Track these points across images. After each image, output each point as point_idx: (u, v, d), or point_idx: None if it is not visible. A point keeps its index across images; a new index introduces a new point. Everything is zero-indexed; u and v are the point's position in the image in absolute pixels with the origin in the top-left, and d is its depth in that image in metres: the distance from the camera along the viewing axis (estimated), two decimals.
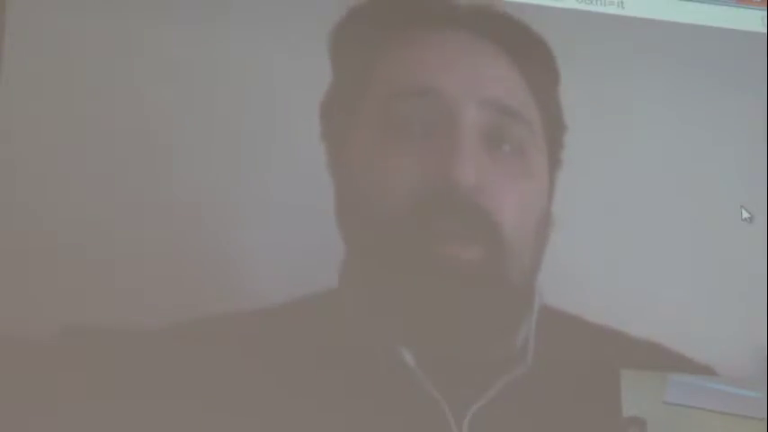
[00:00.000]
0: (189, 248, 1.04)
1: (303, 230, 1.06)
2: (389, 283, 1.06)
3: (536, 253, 1.09)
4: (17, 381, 1.00)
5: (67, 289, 1.02)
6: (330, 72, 1.10)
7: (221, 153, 1.07)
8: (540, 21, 1.15)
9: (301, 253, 1.06)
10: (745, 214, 1.17)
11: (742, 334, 1.14)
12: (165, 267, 1.04)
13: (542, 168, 1.10)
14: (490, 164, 1.06)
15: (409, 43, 1.10)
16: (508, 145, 1.07)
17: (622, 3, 1.19)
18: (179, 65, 1.08)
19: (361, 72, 1.10)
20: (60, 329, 1.01)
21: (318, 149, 1.08)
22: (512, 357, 1.08)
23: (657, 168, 1.16)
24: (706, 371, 1.12)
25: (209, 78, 1.08)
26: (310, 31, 1.10)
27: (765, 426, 1.12)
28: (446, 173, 1.04)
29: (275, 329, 1.05)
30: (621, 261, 1.13)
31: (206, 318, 1.03)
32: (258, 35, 1.10)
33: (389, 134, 1.07)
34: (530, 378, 1.07)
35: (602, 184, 1.14)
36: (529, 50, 1.12)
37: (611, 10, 1.19)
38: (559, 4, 1.17)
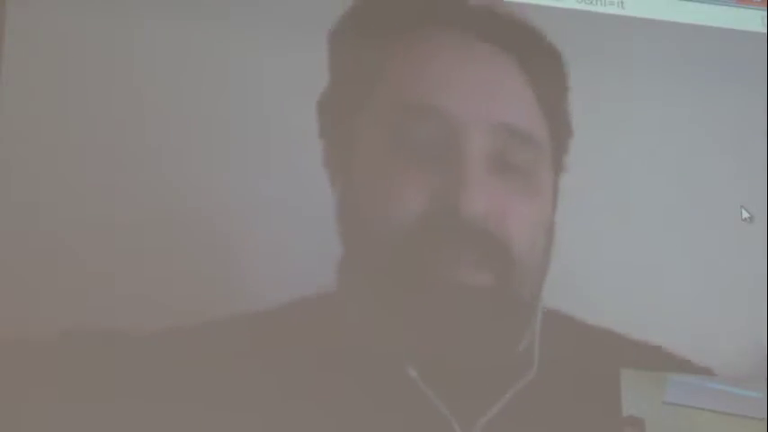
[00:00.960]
0: (188, 251, 1.04)
1: (301, 232, 1.06)
2: (391, 296, 1.06)
3: (544, 265, 1.09)
4: (17, 383, 1.00)
5: (67, 291, 1.02)
6: (328, 70, 1.09)
7: (220, 154, 1.07)
8: (540, 21, 1.15)
9: (299, 255, 1.06)
10: (745, 214, 1.17)
11: (742, 334, 1.14)
12: (163, 270, 1.04)
13: (549, 183, 1.10)
14: (499, 187, 1.06)
15: (418, 47, 1.09)
16: (517, 168, 1.07)
17: (622, 3, 1.19)
18: (179, 65, 1.08)
19: (366, 73, 1.09)
20: (60, 332, 1.01)
21: (317, 151, 1.08)
22: (515, 364, 1.08)
23: (657, 168, 1.16)
24: (707, 372, 1.12)
25: (208, 78, 1.08)
26: (310, 30, 1.10)
27: (765, 426, 1.12)
28: (454, 202, 1.04)
29: (273, 332, 1.04)
30: (621, 261, 1.13)
31: (204, 320, 1.03)
32: (257, 34, 1.10)
33: (395, 150, 1.06)
34: (535, 385, 1.07)
35: (601, 185, 1.14)
36: (540, 59, 1.12)
37: (611, 10, 1.19)
38: (559, 4, 1.17)
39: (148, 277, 1.03)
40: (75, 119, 1.05)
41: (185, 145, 1.07)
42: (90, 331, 1.01)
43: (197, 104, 1.08)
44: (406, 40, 1.10)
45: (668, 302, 1.13)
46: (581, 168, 1.13)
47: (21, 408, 0.99)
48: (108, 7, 1.08)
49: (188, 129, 1.07)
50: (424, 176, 1.05)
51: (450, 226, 1.04)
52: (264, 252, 1.05)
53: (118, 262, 1.03)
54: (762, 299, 1.15)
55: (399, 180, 1.05)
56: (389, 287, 1.06)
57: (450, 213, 1.04)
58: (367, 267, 1.06)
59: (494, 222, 1.05)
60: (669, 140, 1.17)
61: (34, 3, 1.06)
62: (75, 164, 1.05)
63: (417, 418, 1.04)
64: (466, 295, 1.05)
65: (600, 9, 1.18)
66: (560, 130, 1.11)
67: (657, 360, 1.11)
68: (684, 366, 1.12)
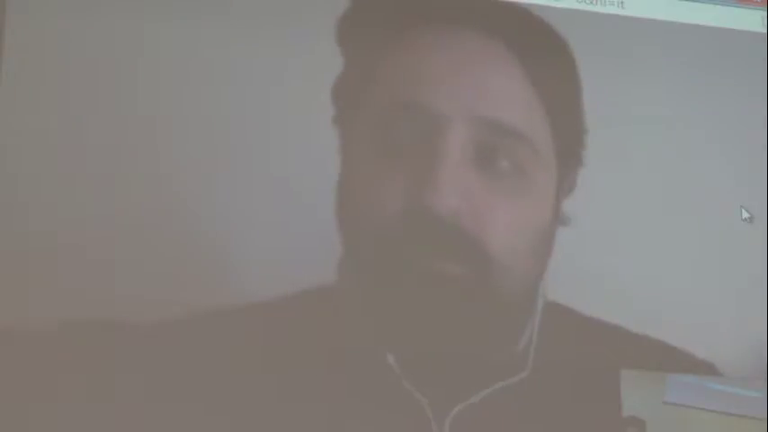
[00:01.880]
0: (187, 243, 1.04)
1: (301, 226, 1.06)
2: (380, 288, 1.06)
3: (536, 265, 1.09)
4: (16, 375, 1.00)
5: (67, 282, 1.02)
6: (330, 63, 1.09)
7: (219, 149, 1.07)
8: None
9: (299, 249, 1.06)
10: (745, 214, 1.17)
11: (742, 333, 1.14)
12: (162, 261, 1.04)
13: (545, 184, 1.09)
14: (479, 183, 1.05)
15: (414, 43, 1.09)
16: (506, 162, 1.06)
17: (622, 3, 1.19)
18: (178, 64, 1.08)
19: (368, 65, 1.09)
20: (59, 322, 1.01)
21: (316, 146, 1.08)
22: (512, 362, 1.08)
23: (657, 168, 1.16)
24: (707, 368, 1.12)
25: (207, 76, 1.08)
26: (311, 27, 1.10)
27: (765, 426, 1.12)
28: (426, 197, 1.04)
29: (268, 325, 1.05)
30: (623, 260, 1.13)
31: (201, 313, 1.03)
32: (257, 34, 1.10)
33: (382, 146, 1.06)
34: (527, 380, 1.07)
35: (602, 184, 1.14)
36: (547, 57, 1.11)
37: (611, 10, 1.19)
38: (559, 4, 1.17)
39: (148, 269, 1.03)
40: (75, 118, 1.05)
41: (185, 139, 1.07)
42: (90, 322, 1.02)
43: (196, 102, 1.08)
44: (405, 35, 1.10)
45: (668, 302, 1.13)
46: (581, 168, 1.13)
47: (20, 397, 0.99)
48: (108, 8, 1.08)
49: (186, 126, 1.07)
50: (403, 173, 1.05)
51: (424, 221, 1.04)
52: (264, 245, 1.06)
53: (118, 253, 1.03)
54: (762, 299, 1.15)
55: (382, 177, 1.06)
56: (374, 281, 1.06)
57: (423, 209, 1.04)
58: (356, 262, 1.06)
59: (466, 217, 1.05)
60: (669, 140, 1.17)
61: (34, 4, 1.06)
62: (74, 159, 1.04)
63: (395, 406, 1.05)
64: (441, 283, 1.05)
65: (600, 9, 1.18)
66: (568, 129, 1.11)
67: (659, 356, 1.11)
68: (686, 361, 1.12)
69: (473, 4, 1.11)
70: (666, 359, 1.12)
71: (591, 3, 1.18)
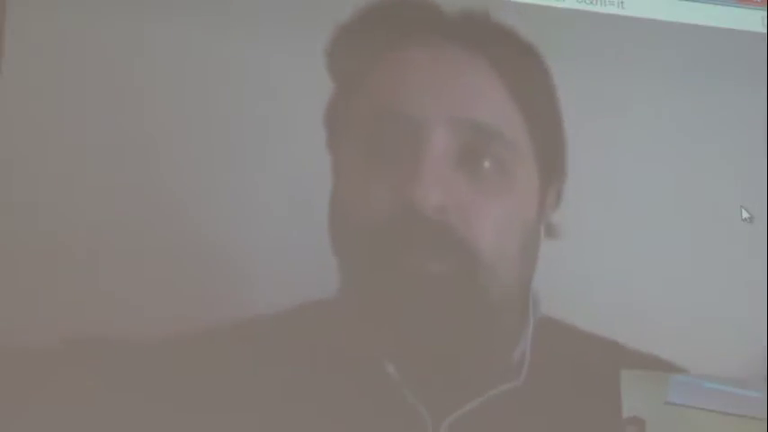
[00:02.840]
0: (189, 256, 1.04)
1: (303, 238, 1.07)
2: (374, 295, 1.06)
3: (524, 267, 1.09)
4: (18, 390, 1.00)
5: (68, 298, 1.02)
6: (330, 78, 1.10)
7: (222, 157, 1.07)
8: (540, 21, 1.15)
9: (300, 261, 1.06)
10: (745, 214, 1.17)
11: (742, 334, 1.14)
12: (164, 275, 1.04)
13: (529, 184, 1.09)
14: (463, 182, 1.06)
15: (397, 60, 1.10)
16: (488, 161, 1.06)
17: (622, 3, 1.19)
18: (179, 65, 1.08)
19: (355, 86, 1.09)
20: (61, 339, 1.01)
21: (318, 154, 1.08)
22: (506, 371, 1.08)
23: (657, 168, 1.16)
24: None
25: (209, 79, 1.08)
26: (314, 32, 1.10)
27: (765, 426, 1.12)
28: (410, 196, 1.04)
29: (268, 338, 1.05)
30: (620, 262, 1.13)
31: (205, 327, 1.03)
32: (258, 35, 1.10)
33: (368, 156, 1.07)
34: (521, 390, 1.07)
35: (601, 184, 1.14)
36: (521, 63, 1.12)
37: (611, 10, 1.19)
38: (559, 4, 1.17)
39: (149, 283, 1.03)
40: (76, 119, 1.05)
41: (187, 149, 1.07)
42: (91, 338, 1.02)
43: (199, 107, 1.08)
44: (387, 51, 1.10)
45: (667, 302, 1.13)
46: (580, 167, 1.13)
47: (22, 414, 0.99)
48: (108, 7, 1.08)
49: (189, 131, 1.07)
50: (388, 178, 1.05)
51: (411, 222, 1.04)
52: (266, 257, 1.06)
53: (119, 267, 1.03)
54: (762, 299, 1.15)
55: (369, 185, 1.06)
56: (368, 288, 1.06)
57: (409, 209, 1.04)
58: (349, 271, 1.06)
59: (452, 216, 1.05)
60: (669, 140, 1.17)
61: (34, 3, 1.06)
62: (75, 165, 1.05)
63: (394, 413, 1.05)
64: (426, 283, 1.05)
65: (600, 9, 1.18)
66: (544, 132, 1.11)
67: (654, 367, 1.12)
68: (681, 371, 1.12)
69: (451, 21, 1.11)
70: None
71: (591, 3, 1.18)
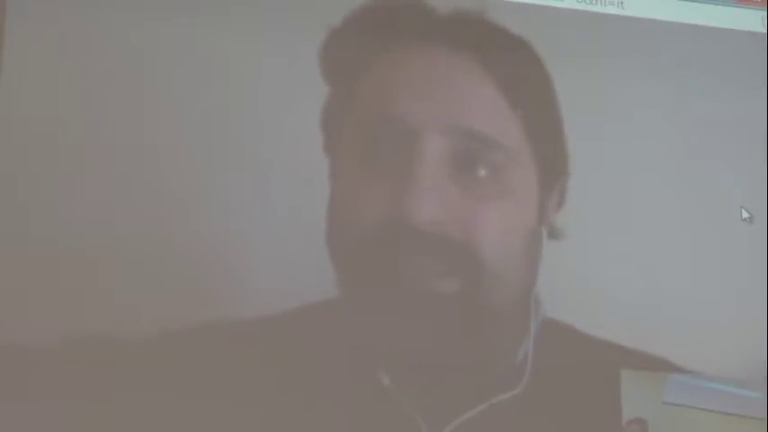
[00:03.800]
0: (188, 256, 1.04)
1: (303, 240, 1.06)
2: (368, 306, 1.06)
3: (528, 271, 1.09)
4: (17, 389, 1.00)
5: (67, 296, 1.02)
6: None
7: (223, 157, 1.07)
8: (540, 21, 1.15)
9: (301, 263, 1.06)
10: (745, 214, 1.17)
11: (742, 334, 1.14)
12: (164, 275, 1.04)
13: (527, 186, 1.08)
14: (458, 192, 1.05)
15: (390, 62, 1.09)
16: (483, 169, 1.06)
17: (622, 3, 1.19)
18: (180, 66, 1.08)
19: (349, 88, 1.09)
20: (60, 337, 1.01)
21: (319, 156, 1.08)
22: (508, 376, 1.07)
23: (657, 169, 1.16)
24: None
25: (208, 81, 1.08)
26: (312, 33, 1.10)
27: (765, 426, 1.12)
28: (403, 209, 1.03)
29: (266, 339, 1.04)
30: (620, 262, 1.13)
31: (202, 326, 1.03)
32: (258, 35, 1.10)
33: (363, 163, 1.06)
34: (523, 394, 1.07)
35: (601, 185, 1.14)
36: (518, 66, 1.11)
37: (611, 10, 1.19)
38: (559, 4, 1.17)
39: (149, 283, 1.03)
40: (75, 119, 1.05)
41: (188, 149, 1.07)
42: (91, 336, 1.01)
43: (198, 108, 1.08)
44: (381, 55, 1.10)
45: (668, 302, 1.13)
46: (580, 168, 1.13)
47: (20, 413, 0.99)
48: (108, 8, 1.08)
49: (189, 133, 1.07)
50: (382, 186, 1.05)
51: (406, 234, 1.03)
52: (265, 259, 1.05)
53: (119, 267, 1.03)
54: (762, 299, 1.15)
55: (363, 192, 1.05)
56: (363, 297, 1.06)
57: (404, 222, 1.03)
58: (344, 280, 1.06)
59: (452, 227, 1.04)
60: (669, 141, 1.17)
61: (34, 4, 1.06)
62: (75, 166, 1.05)
63: (391, 423, 1.04)
64: (431, 302, 1.04)
65: (600, 9, 1.18)
66: (542, 133, 1.10)
67: (655, 367, 1.12)
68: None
69: (445, 23, 1.11)
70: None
71: (591, 3, 1.18)
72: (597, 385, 1.10)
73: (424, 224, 1.03)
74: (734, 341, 1.14)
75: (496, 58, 1.09)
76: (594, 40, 1.17)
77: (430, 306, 1.04)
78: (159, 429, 1.01)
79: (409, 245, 1.03)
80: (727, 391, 1.12)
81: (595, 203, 1.13)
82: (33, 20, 1.06)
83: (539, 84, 1.12)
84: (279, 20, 1.11)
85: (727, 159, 1.17)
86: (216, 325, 1.03)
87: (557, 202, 1.11)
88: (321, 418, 1.04)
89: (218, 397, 1.03)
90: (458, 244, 1.04)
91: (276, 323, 1.04)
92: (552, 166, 1.11)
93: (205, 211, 1.06)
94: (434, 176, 1.05)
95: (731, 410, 1.12)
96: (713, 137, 1.18)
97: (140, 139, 1.06)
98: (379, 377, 1.05)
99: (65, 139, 1.05)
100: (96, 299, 1.02)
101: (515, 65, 1.11)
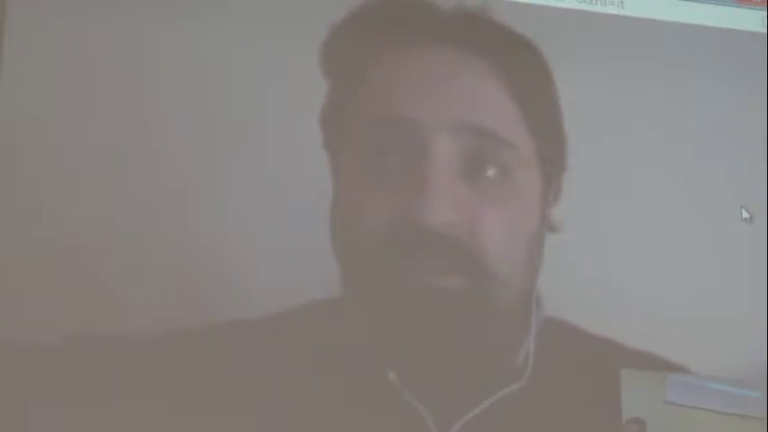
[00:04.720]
0: (191, 254, 1.04)
1: (304, 239, 1.06)
2: (373, 304, 1.06)
3: (530, 271, 1.09)
4: (20, 386, 1.00)
5: (70, 295, 1.02)
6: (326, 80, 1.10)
7: (226, 156, 1.07)
8: (540, 21, 1.15)
9: (302, 261, 1.06)
10: (745, 214, 1.17)
11: (742, 334, 1.14)
12: (166, 274, 1.04)
13: (532, 187, 1.09)
14: (468, 193, 1.05)
15: (395, 62, 1.09)
16: (492, 169, 1.06)
17: (622, 3, 1.19)
18: (180, 66, 1.08)
19: (353, 86, 1.09)
20: (63, 336, 1.01)
21: (319, 155, 1.08)
22: (510, 374, 1.07)
23: (657, 168, 1.16)
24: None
25: (209, 80, 1.08)
26: (312, 27, 1.10)
27: (765, 426, 1.12)
28: (415, 212, 1.03)
29: (267, 340, 1.04)
30: (621, 264, 1.13)
31: (204, 326, 1.03)
32: (259, 36, 1.10)
33: (369, 165, 1.06)
34: (525, 392, 1.07)
35: (601, 185, 1.14)
36: (521, 63, 1.11)
37: (611, 10, 1.19)
38: (559, 4, 1.17)
39: (151, 282, 1.03)
40: (76, 119, 1.05)
41: (190, 148, 1.07)
42: (94, 335, 1.01)
43: (198, 107, 1.08)
44: (386, 53, 1.10)
45: (668, 302, 1.13)
46: (580, 168, 1.13)
47: (23, 411, 0.99)
48: (108, 8, 1.08)
49: (189, 132, 1.07)
50: (391, 187, 1.05)
51: (418, 236, 1.03)
52: (266, 258, 1.05)
53: (121, 266, 1.03)
54: (762, 299, 1.15)
55: (370, 193, 1.05)
56: (371, 296, 1.06)
57: (413, 224, 1.03)
58: (351, 278, 1.06)
59: (461, 229, 1.04)
60: (669, 140, 1.17)
61: (34, 4, 1.06)
62: (75, 165, 1.04)
63: (398, 421, 1.04)
64: (436, 298, 1.04)
65: (600, 9, 1.18)
66: (545, 132, 1.10)
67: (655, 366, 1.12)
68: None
69: (449, 21, 1.11)
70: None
71: (591, 3, 1.18)
72: (598, 384, 1.10)
73: (437, 226, 1.03)
74: (734, 341, 1.14)
75: (500, 57, 1.09)
76: (594, 40, 1.17)
77: (435, 304, 1.04)
78: (160, 428, 1.01)
79: (422, 246, 1.03)
80: (727, 391, 1.12)
81: (596, 203, 1.13)
82: (33, 20, 1.06)
83: (542, 83, 1.12)
84: (279, 20, 1.11)
85: (727, 159, 1.17)
86: (217, 324, 1.03)
87: (553, 198, 1.11)
88: (329, 415, 1.04)
89: (220, 396, 1.03)
90: (466, 245, 1.04)
91: (283, 321, 1.04)
92: (553, 165, 1.11)
93: (206, 210, 1.06)
94: (445, 178, 1.05)
95: (731, 410, 1.12)
96: (713, 137, 1.18)
97: (141, 139, 1.06)
98: (387, 373, 1.05)
99: (65, 139, 1.05)
100: (98, 298, 1.02)
101: (519, 64, 1.11)
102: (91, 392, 1.00)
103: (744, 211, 1.17)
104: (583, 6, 1.18)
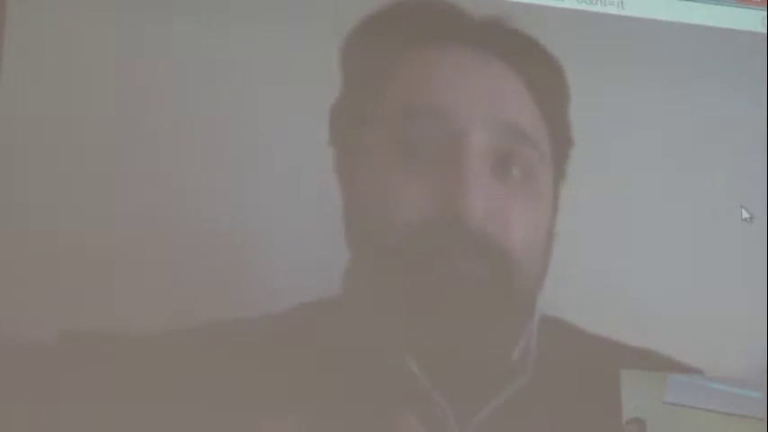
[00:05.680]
0: (191, 253, 1.04)
1: (307, 236, 1.06)
2: (396, 293, 1.06)
3: (542, 271, 1.09)
4: (17, 385, 1.00)
5: (68, 292, 1.02)
6: (338, 76, 1.09)
7: (226, 155, 1.07)
8: (540, 21, 1.15)
9: (305, 259, 1.06)
10: (745, 214, 1.17)
11: (742, 334, 1.14)
12: (166, 272, 1.04)
13: (549, 188, 1.10)
14: (499, 190, 1.06)
15: (422, 59, 1.09)
16: (518, 169, 1.06)
17: (622, 3, 1.19)
18: (181, 66, 1.08)
19: (375, 82, 1.09)
20: (61, 333, 1.01)
21: (325, 154, 1.08)
22: (511, 368, 1.08)
23: (657, 168, 1.16)
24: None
25: (211, 79, 1.08)
26: (312, 27, 1.10)
27: (765, 426, 1.12)
28: (455, 204, 1.04)
29: (278, 335, 1.04)
30: (621, 264, 1.13)
31: (207, 323, 1.03)
32: (261, 36, 1.10)
33: (399, 155, 1.06)
34: (531, 388, 1.07)
35: (602, 184, 1.14)
36: (540, 69, 1.12)
37: (611, 10, 1.19)
38: (559, 4, 1.17)
39: (152, 279, 1.03)
40: (76, 119, 1.05)
41: (190, 146, 1.07)
42: (91, 333, 1.01)
43: (201, 106, 1.08)
44: (413, 51, 1.10)
45: (668, 302, 1.13)
46: (580, 169, 1.13)
47: (20, 409, 0.99)
48: (108, 7, 1.08)
49: (192, 130, 1.07)
50: (425, 179, 1.05)
51: (451, 229, 1.04)
52: (269, 256, 1.05)
53: (120, 263, 1.03)
54: (762, 299, 1.15)
55: (402, 184, 1.05)
56: (392, 291, 1.06)
57: (451, 215, 1.04)
58: (371, 272, 1.06)
59: (493, 224, 1.05)
60: (669, 141, 1.17)
61: (34, 4, 1.06)
62: (75, 164, 1.05)
63: (417, 412, 1.04)
64: (461, 284, 1.05)
65: (600, 9, 1.18)
66: (560, 138, 1.11)
67: (655, 365, 1.12)
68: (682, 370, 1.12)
69: (472, 26, 1.11)
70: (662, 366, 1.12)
71: (591, 3, 1.18)
72: (598, 383, 1.10)
73: (475, 221, 1.04)
74: (734, 341, 1.14)
75: (524, 64, 1.10)
76: (594, 40, 1.17)
77: (456, 290, 1.05)
78: (160, 427, 1.01)
79: (453, 236, 1.04)
80: (727, 391, 1.12)
81: (596, 202, 1.13)
82: (33, 20, 1.06)
83: (557, 86, 1.12)
84: (279, 20, 1.11)
85: (727, 159, 1.17)
86: (219, 322, 1.03)
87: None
88: (342, 409, 1.04)
89: (220, 396, 1.03)
90: (496, 239, 1.05)
91: (287, 319, 1.04)
92: (562, 168, 1.11)
93: (205, 210, 1.06)
94: (482, 172, 1.05)
95: (731, 410, 1.12)
96: (713, 137, 1.18)
97: (141, 139, 1.06)
98: (407, 363, 1.05)
99: (65, 139, 1.05)
100: (97, 296, 1.02)
101: (541, 72, 1.12)
102: (90, 391, 1.00)
103: (744, 211, 1.17)
104: (582, 6, 1.18)
